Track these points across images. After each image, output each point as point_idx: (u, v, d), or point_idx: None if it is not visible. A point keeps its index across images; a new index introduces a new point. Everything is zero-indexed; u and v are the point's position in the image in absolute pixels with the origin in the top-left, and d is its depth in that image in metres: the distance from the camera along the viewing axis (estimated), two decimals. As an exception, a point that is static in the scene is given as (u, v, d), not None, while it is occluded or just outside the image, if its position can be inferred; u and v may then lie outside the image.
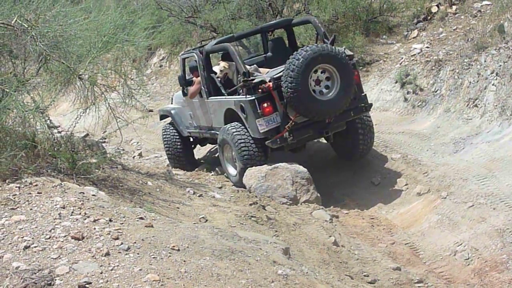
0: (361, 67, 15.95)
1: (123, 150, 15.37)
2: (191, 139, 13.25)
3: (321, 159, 12.25)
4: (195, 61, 11.66)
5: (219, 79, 11.18)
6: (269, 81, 10.04)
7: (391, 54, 16.28)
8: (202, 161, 13.81)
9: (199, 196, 9.13)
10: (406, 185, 10.72)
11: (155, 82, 22.79)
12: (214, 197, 9.36)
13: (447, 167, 10.60)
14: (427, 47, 15.11)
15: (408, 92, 13.79)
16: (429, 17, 16.57)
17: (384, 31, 17.60)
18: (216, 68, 11.46)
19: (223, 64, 11.18)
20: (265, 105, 9.99)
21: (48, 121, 8.11)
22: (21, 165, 7.07)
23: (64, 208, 5.86)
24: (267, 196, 9.96)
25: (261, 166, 10.36)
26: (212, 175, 12.00)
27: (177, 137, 12.95)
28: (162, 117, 13.99)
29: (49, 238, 5.25)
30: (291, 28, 12.35)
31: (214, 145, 13.54)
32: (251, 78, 10.11)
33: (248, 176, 10.34)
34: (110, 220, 5.75)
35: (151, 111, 17.91)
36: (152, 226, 5.85)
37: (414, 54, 14.80)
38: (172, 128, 13.09)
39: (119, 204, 6.56)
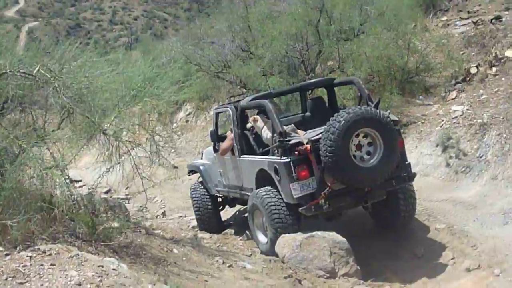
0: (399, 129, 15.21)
1: (146, 208, 14.69)
2: (219, 199, 12.52)
3: (358, 226, 11.37)
4: (229, 116, 11.09)
5: (251, 135, 10.69)
6: (307, 143, 9.37)
7: (429, 115, 15.53)
8: (231, 222, 13.01)
9: (228, 267, 8.33)
10: (452, 258, 9.81)
11: (180, 137, 22.19)
12: (245, 267, 8.55)
13: (498, 240, 9.72)
14: (468, 109, 14.35)
15: (450, 157, 12.97)
16: (468, 78, 15.86)
17: (420, 92, 16.95)
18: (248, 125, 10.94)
19: (252, 118, 10.65)
20: (301, 168, 9.29)
21: (68, 179, 7.39)
22: (35, 229, 6.33)
23: (80, 285, 5.10)
24: (302, 267, 9.12)
25: (295, 234, 9.55)
26: (241, 239, 11.23)
27: (207, 196, 12.25)
28: (191, 172, 13.29)
29: (60, 324, 4.47)
30: (333, 88, 11.70)
31: (243, 206, 12.76)
32: (288, 138, 9.46)
33: (281, 245, 9.52)
34: (132, 304, 4.97)
35: (176, 167, 17.20)
36: (180, 313, 5.06)
37: (456, 117, 14.03)
38: (202, 187, 12.38)
39: (142, 280, 5.75)
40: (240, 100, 11.29)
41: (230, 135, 11.13)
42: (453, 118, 14.05)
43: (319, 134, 9.41)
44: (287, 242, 9.46)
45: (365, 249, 10.57)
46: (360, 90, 10.57)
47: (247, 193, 10.61)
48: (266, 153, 10.16)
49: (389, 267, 10.07)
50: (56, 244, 6.14)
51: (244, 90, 18.17)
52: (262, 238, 10.20)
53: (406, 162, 10.10)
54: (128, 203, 15.54)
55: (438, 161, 13.17)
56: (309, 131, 10.02)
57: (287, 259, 9.26)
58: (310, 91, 12.09)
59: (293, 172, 9.24)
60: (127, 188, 17.14)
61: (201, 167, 12.53)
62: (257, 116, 10.56)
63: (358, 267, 9.34)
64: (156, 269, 7.09)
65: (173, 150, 17.36)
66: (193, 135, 21.69)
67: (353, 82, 11.01)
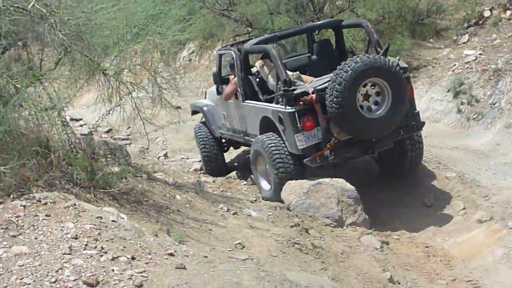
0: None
1: (148, 149, 14.33)
2: (223, 141, 12.20)
3: (365, 174, 11.01)
4: (233, 58, 10.59)
5: (255, 80, 10.30)
6: (312, 93, 9.06)
7: (440, 59, 15.04)
8: (235, 164, 12.68)
9: (233, 214, 7.99)
10: (463, 209, 9.48)
11: (183, 77, 21.62)
12: (250, 215, 8.22)
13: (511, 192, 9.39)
14: (481, 54, 13.84)
15: (462, 103, 12.53)
16: (480, 22, 15.33)
17: (431, 34, 16.40)
18: (253, 69, 10.57)
19: (258, 63, 10.25)
20: (306, 119, 9.04)
21: (65, 122, 7.01)
22: (30, 175, 5.97)
23: (76, 238, 4.75)
24: (308, 215, 8.83)
25: (302, 180, 9.23)
26: (245, 184, 10.93)
27: (211, 137, 11.90)
28: (194, 112, 12.89)
29: (55, 282, 4.14)
30: (341, 30, 11.21)
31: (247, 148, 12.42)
32: (293, 87, 9.12)
33: (288, 191, 9.21)
34: (133, 258, 4.64)
35: (179, 108, 16.71)
36: (185, 267, 4.71)
37: (469, 62, 13.51)
38: (206, 128, 12.04)
39: (143, 232, 5.40)
40: (244, 42, 10.86)
41: (233, 80, 10.79)
42: (465, 63, 13.54)
43: (325, 83, 9.11)
44: (294, 189, 9.15)
45: (372, 196, 10.26)
46: (368, 34, 10.19)
47: (252, 139, 10.34)
48: (271, 100, 9.83)
49: (398, 216, 9.74)
50: (52, 191, 5.78)
51: (250, 29, 17.57)
52: (265, 184, 9.99)
53: (415, 111, 9.85)
54: (130, 144, 15.15)
55: (449, 107, 12.74)
56: (315, 79, 9.68)
57: (293, 206, 8.96)
58: (317, 32, 11.51)
59: (298, 122, 9.01)
60: (128, 128, 16.73)
61: (205, 108, 12.11)
62: (263, 60, 10.17)
63: (366, 216, 9.04)
64: (158, 218, 6.76)
65: (176, 91, 16.93)
66: (196, 75, 21.12)
67: (362, 25, 10.57)
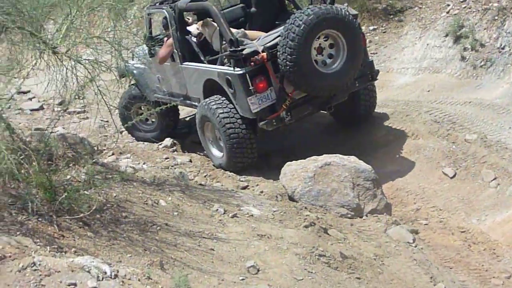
0: (391, 16, 13.29)
1: (107, 122, 12.53)
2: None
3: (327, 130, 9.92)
4: (165, 18, 9.75)
5: (196, 41, 9.56)
6: (263, 51, 8.41)
7: (426, -1, 13.47)
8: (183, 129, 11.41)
9: (232, 217, 6.38)
10: (495, 179, 8.06)
11: (137, 35, 19.62)
12: (252, 215, 6.62)
13: (548, 154, 8.01)
14: (475, -9, 12.32)
15: (465, 49, 11.06)
16: None
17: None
18: (191, 28, 9.76)
19: (200, 23, 9.52)
20: (258, 80, 8.43)
21: (9, 125, 5.25)
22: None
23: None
24: (319, 205, 7.31)
25: (305, 161, 7.70)
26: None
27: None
28: (122, 76, 11.28)
29: None
30: None
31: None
32: (241, 47, 8.39)
33: (289, 176, 7.66)
34: None
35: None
36: None
37: (464, 0, 11.96)
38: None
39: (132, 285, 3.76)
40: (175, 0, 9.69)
41: (168, 41, 9.79)
42: (461, 1, 11.99)
43: (274, 39, 8.56)
44: (296, 173, 7.60)
45: (379, 166, 8.76)
46: None
47: (194, 103, 9.78)
48: (214, 61, 9.14)
49: (417, 192, 8.30)
50: (-2, 235, 4.07)
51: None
52: (216, 152, 9.36)
53: (369, 60, 9.42)
54: (86, 117, 13.38)
55: (450, 54, 11.25)
56: (262, 35, 9.00)
57: (298, 195, 7.42)
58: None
59: (250, 84, 8.40)
60: (83, 99, 14.85)
61: (135, 71, 10.63)
62: (206, 20, 9.37)
63: (387, 200, 7.56)
64: (145, 242, 5.13)
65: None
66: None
67: None
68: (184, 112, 11.70)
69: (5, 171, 4.46)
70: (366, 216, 7.29)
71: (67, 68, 6.10)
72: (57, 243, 4.36)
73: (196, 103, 9.59)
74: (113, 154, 9.59)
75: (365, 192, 7.40)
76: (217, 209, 6.52)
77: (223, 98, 8.83)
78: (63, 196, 4.88)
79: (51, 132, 6.16)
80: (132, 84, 10.80)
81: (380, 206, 7.40)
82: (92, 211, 5.21)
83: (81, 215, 4.94)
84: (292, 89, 8.50)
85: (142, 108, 11.11)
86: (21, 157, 5.10)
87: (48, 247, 4.16)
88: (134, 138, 11.31)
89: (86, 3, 6.21)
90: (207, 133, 9.38)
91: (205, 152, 9.78)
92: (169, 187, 6.90)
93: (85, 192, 5.38)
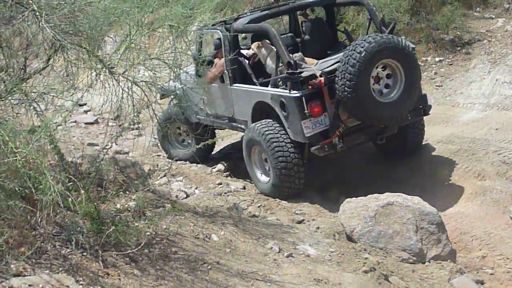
0: (459, 48, 12.77)
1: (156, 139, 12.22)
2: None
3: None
4: (218, 39, 9.73)
5: (248, 63, 9.52)
6: (320, 76, 8.37)
7: (496, 32, 13.04)
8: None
9: (287, 257, 6.00)
10: None
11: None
12: (308, 255, 6.22)
13: None
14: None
15: (537, 86, 10.50)
16: (536, -15, 13.33)
17: (478, 2, 14.32)
18: (245, 50, 9.82)
19: (256, 44, 9.40)
20: (314, 104, 8.37)
21: (58, 148, 4.98)
22: (10, 242, 3.98)
23: None
24: (379, 247, 6.87)
25: (366, 199, 7.28)
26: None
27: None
28: (163, 96, 11.16)
29: None
30: (333, 8, 10.66)
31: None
32: (299, 70, 8.37)
33: (348, 213, 7.23)
34: None
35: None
36: None
37: (538, 34, 11.44)
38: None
39: None
40: (225, 22, 9.70)
41: (219, 62, 9.77)
42: (534, 36, 11.48)
43: (333, 65, 8.54)
44: (356, 211, 7.17)
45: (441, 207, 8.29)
46: (370, 12, 9.43)
47: (240, 125, 9.75)
48: (265, 84, 9.17)
49: (484, 236, 7.78)
50: (38, 270, 3.76)
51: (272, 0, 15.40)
52: (261, 176, 9.23)
53: (422, 93, 9.18)
54: (140, 135, 13.16)
55: (521, 92, 10.70)
56: (320, 61, 9.02)
57: (357, 235, 6.99)
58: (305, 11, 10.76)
59: (305, 108, 8.33)
60: (138, 115, 14.68)
61: (178, 92, 10.37)
62: (261, 42, 9.37)
63: (452, 246, 7.07)
64: (194, 283, 4.76)
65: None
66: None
67: (362, 3, 9.68)
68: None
69: (50, 203, 4.14)
70: (429, 262, 6.82)
71: (123, 90, 5.85)
72: (100, 282, 4.04)
73: (243, 126, 9.56)
74: (165, 175, 9.37)
75: (429, 237, 6.93)
76: (271, 247, 6.14)
77: (274, 122, 8.76)
78: (111, 229, 4.55)
79: (104, 155, 5.91)
80: (175, 104, 10.61)
81: (445, 252, 6.92)
82: (140, 244, 4.89)
83: (129, 250, 4.61)
84: (347, 116, 8.42)
85: (181, 129, 11.04)
86: (69, 183, 4.82)
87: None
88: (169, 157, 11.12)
89: (147, 23, 5.97)
90: (253, 156, 9.27)
91: None
92: (221, 219, 6.54)
93: (135, 223, 5.06)
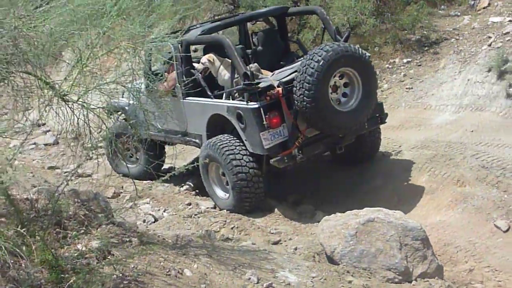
0: (426, 47, 12.47)
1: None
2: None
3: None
4: (169, 53, 9.28)
5: (200, 76, 9.25)
6: (278, 86, 8.32)
7: (463, 29, 12.79)
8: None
9: (267, 288, 5.56)
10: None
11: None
12: (289, 284, 5.78)
13: None
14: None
15: (510, 85, 10.21)
16: (500, -18, 13.12)
17: (442, 0, 14.17)
18: (198, 66, 9.45)
19: (207, 57, 9.22)
20: (272, 115, 8.30)
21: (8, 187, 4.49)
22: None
23: None
24: (362, 268, 6.45)
25: (345, 216, 6.89)
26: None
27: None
28: (111, 114, 10.76)
29: None
30: (285, 18, 10.44)
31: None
32: (256, 81, 8.30)
33: (327, 233, 6.82)
34: None
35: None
36: None
37: (508, 32, 11.18)
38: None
39: None
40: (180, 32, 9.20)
41: (171, 75, 9.55)
42: (504, 34, 11.21)
43: (290, 75, 8.50)
44: (336, 229, 6.76)
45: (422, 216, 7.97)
46: (324, 21, 9.40)
47: (193, 139, 9.63)
48: (219, 96, 9.08)
49: (470, 248, 7.46)
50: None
51: (232, 8, 15.04)
52: (220, 193, 9.08)
53: (379, 102, 9.26)
54: (103, 153, 12.67)
55: (494, 91, 10.45)
56: (276, 71, 9.04)
57: (339, 255, 6.57)
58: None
59: (264, 119, 8.24)
60: (99, 132, 14.19)
61: (127, 107, 9.96)
62: (212, 54, 9.26)
63: (439, 262, 6.70)
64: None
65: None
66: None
67: (316, 12, 9.68)
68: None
69: (2, 255, 3.66)
70: (416, 280, 6.43)
71: (78, 117, 5.39)
72: None
73: (196, 140, 9.49)
74: (130, 199, 8.97)
75: (414, 253, 6.53)
76: (249, 277, 5.68)
77: (231, 137, 8.70)
78: (72, 278, 4.07)
79: (64, 187, 5.43)
80: (122, 119, 10.23)
81: (431, 269, 6.53)
82: (105, 289, 4.42)
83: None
84: (305, 127, 8.39)
85: (129, 144, 10.56)
86: (23, 229, 4.35)
87: None
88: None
89: (102, 44, 5.51)
90: (211, 173, 9.12)
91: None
92: (194, 250, 6.07)
93: (99, 268, 4.59)
